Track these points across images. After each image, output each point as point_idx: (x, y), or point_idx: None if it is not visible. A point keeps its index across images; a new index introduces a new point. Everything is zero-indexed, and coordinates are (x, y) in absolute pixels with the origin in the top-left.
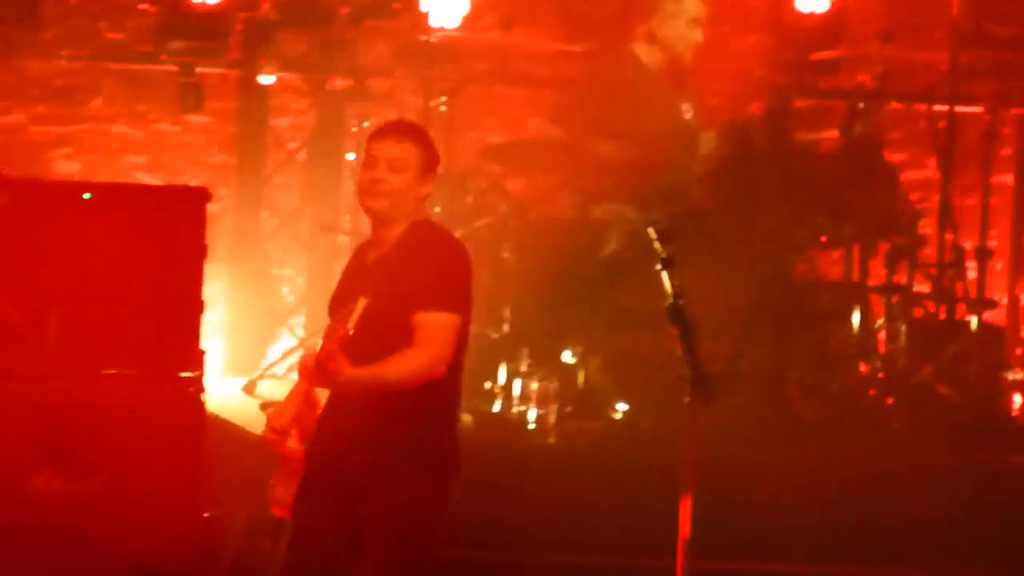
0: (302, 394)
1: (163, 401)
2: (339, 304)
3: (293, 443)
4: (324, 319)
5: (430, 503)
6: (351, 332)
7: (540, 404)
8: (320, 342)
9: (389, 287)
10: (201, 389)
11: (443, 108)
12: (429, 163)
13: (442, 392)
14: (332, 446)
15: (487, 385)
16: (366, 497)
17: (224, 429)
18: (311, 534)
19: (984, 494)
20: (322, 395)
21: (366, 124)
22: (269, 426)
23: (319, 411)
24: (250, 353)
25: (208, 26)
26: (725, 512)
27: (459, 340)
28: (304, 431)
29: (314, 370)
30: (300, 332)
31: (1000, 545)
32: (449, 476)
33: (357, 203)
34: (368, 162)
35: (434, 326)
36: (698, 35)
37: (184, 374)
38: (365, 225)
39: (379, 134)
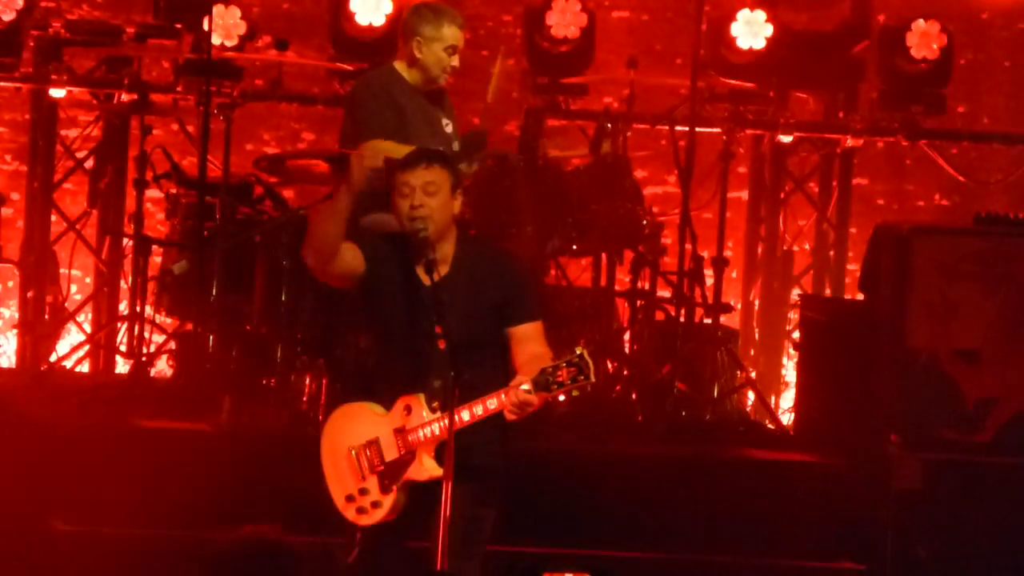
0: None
1: None
2: (401, 320)
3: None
4: (114, 314)
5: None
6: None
7: (312, 398)
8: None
9: (484, 305)
10: None
11: (222, 121)
12: (457, 182)
13: None
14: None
15: (264, 380)
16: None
17: (13, 417)
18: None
19: (718, 483)
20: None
21: (149, 135)
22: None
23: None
24: (40, 347)
25: (2, 43)
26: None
27: None
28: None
29: (519, 409)
30: (87, 328)
31: (730, 528)
32: None
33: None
34: (403, 191)
35: (542, 333)
36: (454, 61)
37: None
38: (150, 230)
39: (409, 163)
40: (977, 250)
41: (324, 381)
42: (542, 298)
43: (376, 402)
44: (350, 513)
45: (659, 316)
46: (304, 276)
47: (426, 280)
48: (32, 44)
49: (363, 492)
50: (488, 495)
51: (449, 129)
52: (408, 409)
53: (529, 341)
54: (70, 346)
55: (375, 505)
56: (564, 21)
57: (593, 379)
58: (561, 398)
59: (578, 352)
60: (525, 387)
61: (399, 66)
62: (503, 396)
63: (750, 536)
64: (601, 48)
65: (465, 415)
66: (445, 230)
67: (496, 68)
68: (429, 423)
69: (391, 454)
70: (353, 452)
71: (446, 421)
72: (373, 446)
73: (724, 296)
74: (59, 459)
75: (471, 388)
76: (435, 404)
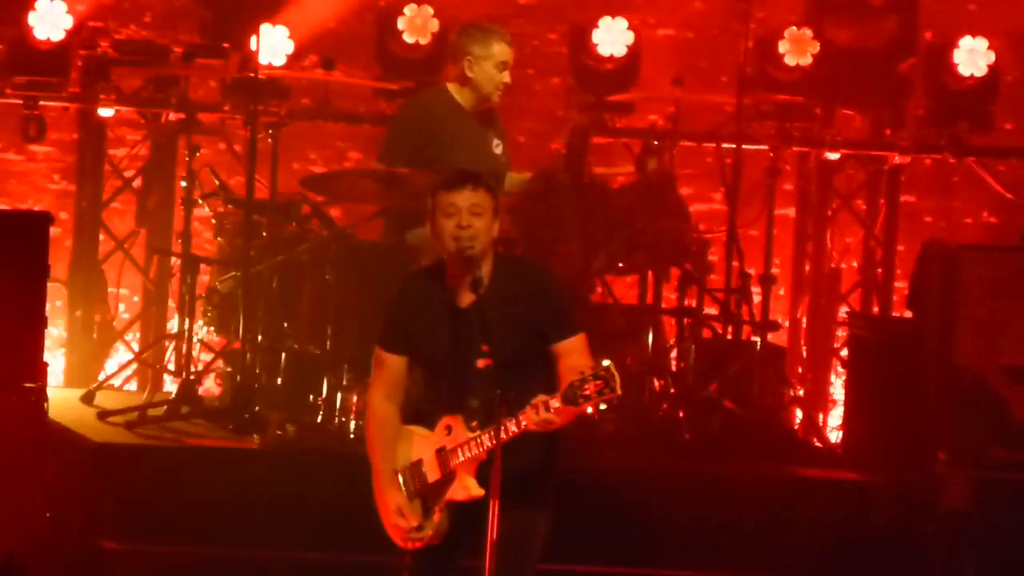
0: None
1: (8, 410)
2: (444, 346)
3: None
4: (161, 333)
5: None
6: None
7: (359, 416)
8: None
9: (522, 322)
10: (44, 399)
11: (269, 140)
12: (497, 205)
13: None
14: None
15: (311, 398)
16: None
17: (63, 435)
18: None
19: (766, 501)
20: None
21: (197, 154)
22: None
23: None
24: (88, 366)
25: (50, 62)
26: None
27: None
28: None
29: (542, 426)
30: (135, 347)
31: (779, 548)
32: None
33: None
34: (449, 211)
35: (585, 345)
36: (506, 77)
37: (28, 384)
38: (198, 249)
39: (455, 184)
40: None
41: None
42: (586, 315)
43: (423, 425)
44: (397, 538)
45: (706, 334)
46: (350, 294)
47: (461, 303)
48: (80, 64)
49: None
50: (536, 510)
51: (499, 150)
52: (449, 429)
53: (572, 355)
54: (118, 365)
55: (419, 528)
56: (610, 39)
57: (619, 391)
58: (589, 410)
59: (605, 364)
60: (555, 403)
61: (452, 87)
62: (526, 415)
63: (797, 555)
64: (646, 66)
65: (502, 433)
66: (487, 250)
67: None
68: (468, 442)
69: (433, 475)
70: (399, 475)
71: (485, 439)
72: (416, 468)
73: (771, 314)
74: (108, 478)
75: (513, 406)
76: (474, 423)
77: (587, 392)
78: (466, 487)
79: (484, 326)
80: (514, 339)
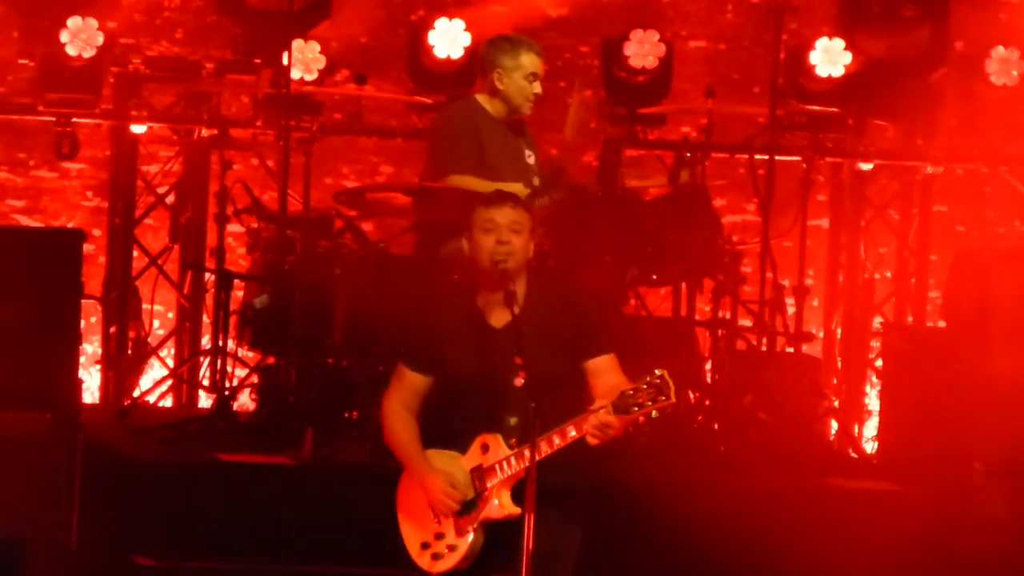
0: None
1: (43, 427)
2: (476, 365)
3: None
4: (195, 348)
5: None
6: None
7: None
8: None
9: (556, 340)
10: (78, 414)
11: (302, 155)
12: (534, 226)
13: None
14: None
15: (345, 413)
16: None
17: (98, 452)
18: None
19: (801, 512)
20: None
21: (230, 170)
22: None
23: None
24: (123, 382)
25: (83, 79)
26: None
27: None
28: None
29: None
30: (170, 363)
31: (814, 559)
32: None
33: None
34: (488, 227)
35: (617, 364)
36: (536, 88)
37: (62, 401)
38: (231, 264)
39: (495, 202)
40: None
41: None
42: (620, 328)
43: (452, 448)
44: (424, 561)
45: (740, 345)
46: (384, 308)
47: (494, 322)
48: (112, 80)
49: (439, 537)
50: (570, 525)
51: (531, 160)
52: (485, 447)
53: (607, 373)
54: (152, 381)
55: (451, 549)
56: (642, 51)
57: (674, 399)
58: (641, 420)
59: (658, 373)
60: (606, 414)
61: (481, 99)
62: (582, 423)
63: (833, 565)
64: (679, 78)
65: (544, 447)
66: (522, 268)
67: (574, 101)
68: (507, 459)
69: (468, 494)
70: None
71: (524, 455)
72: None
73: (806, 324)
74: (142, 494)
75: (548, 423)
76: (512, 440)
77: (640, 400)
78: (503, 505)
79: (520, 340)
80: (549, 359)
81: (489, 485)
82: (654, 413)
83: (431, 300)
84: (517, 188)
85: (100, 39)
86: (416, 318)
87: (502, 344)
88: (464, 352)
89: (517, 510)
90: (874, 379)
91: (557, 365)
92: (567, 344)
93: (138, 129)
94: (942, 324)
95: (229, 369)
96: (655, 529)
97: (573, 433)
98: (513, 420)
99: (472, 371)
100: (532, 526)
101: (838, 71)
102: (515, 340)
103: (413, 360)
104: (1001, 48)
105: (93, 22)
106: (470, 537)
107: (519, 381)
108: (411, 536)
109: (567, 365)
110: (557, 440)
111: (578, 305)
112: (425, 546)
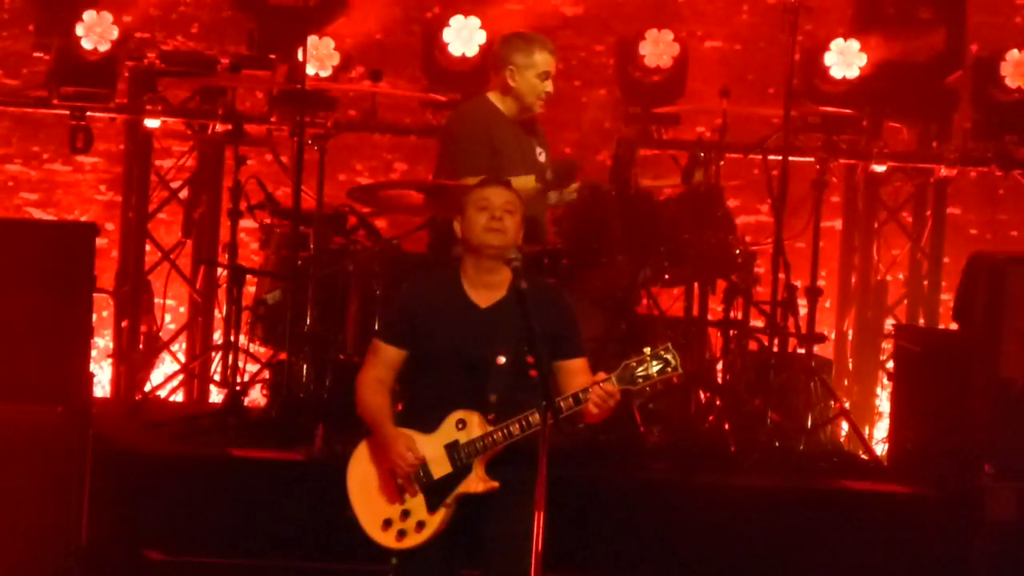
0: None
1: (53, 420)
2: (456, 342)
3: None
4: (207, 343)
5: None
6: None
7: None
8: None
9: (540, 333)
10: (89, 408)
11: (316, 151)
12: (524, 215)
13: None
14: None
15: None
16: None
17: (109, 446)
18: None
19: (812, 513)
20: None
21: (244, 165)
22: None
23: None
24: (134, 377)
25: (97, 73)
26: (576, 529)
27: None
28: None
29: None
30: (182, 357)
31: (825, 560)
32: None
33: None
34: (482, 205)
35: (588, 368)
36: (548, 86)
37: (73, 394)
38: (244, 260)
39: (489, 182)
40: None
41: None
42: (632, 327)
43: (430, 423)
44: (388, 539)
45: (752, 346)
46: None
47: (480, 301)
48: (127, 75)
49: (405, 514)
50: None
51: (542, 158)
52: (461, 424)
53: (581, 374)
54: (164, 375)
55: (420, 525)
56: (657, 51)
57: (680, 369)
58: (647, 389)
59: (666, 346)
60: (610, 385)
61: (493, 96)
62: (583, 394)
63: (843, 567)
64: (693, 78)
65: (515, 428)
66: (510, 251)
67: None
68: (486, 435)
69: (441, 470)
70: (394, 475)
71: (505, 431)
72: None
73: (818, 326)
74: (153, 489)
75: (521, 407)
76: (491, 416)
77: (646, 371)
78: (483, 478)
79: (510, 323)
80: (537, 350)
81: (466, 460)
82: (658, 385)
83: (413, 277)
84: (528, 183)
85: (115, 33)
86: (394, 293)
87: (486, 323)
88: (444, 328)
89: (495, 484)
90: (885, 381)
91: (540, 357)
92: (546, 335)
93: (152, 123)
94: (954, 327)
95: (241, 365)
96: (665, 529)
97: (573, 403)
98: (493, 397)
99: (452, 347)
100: (541, 525)
101: (853, 73)
102: (503, 320)
103: (387, 333)
104: (1016, 51)
105: (108, 16)
106: (442, 512)
107: (501, 360)
108: (369, 514)
109: (550, 360)
110: (563, 404)
111: (560, 303)
112: (388, 523)
